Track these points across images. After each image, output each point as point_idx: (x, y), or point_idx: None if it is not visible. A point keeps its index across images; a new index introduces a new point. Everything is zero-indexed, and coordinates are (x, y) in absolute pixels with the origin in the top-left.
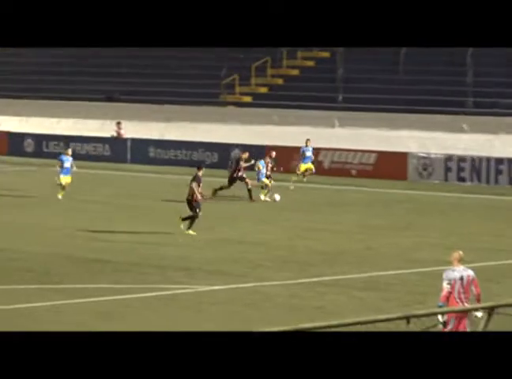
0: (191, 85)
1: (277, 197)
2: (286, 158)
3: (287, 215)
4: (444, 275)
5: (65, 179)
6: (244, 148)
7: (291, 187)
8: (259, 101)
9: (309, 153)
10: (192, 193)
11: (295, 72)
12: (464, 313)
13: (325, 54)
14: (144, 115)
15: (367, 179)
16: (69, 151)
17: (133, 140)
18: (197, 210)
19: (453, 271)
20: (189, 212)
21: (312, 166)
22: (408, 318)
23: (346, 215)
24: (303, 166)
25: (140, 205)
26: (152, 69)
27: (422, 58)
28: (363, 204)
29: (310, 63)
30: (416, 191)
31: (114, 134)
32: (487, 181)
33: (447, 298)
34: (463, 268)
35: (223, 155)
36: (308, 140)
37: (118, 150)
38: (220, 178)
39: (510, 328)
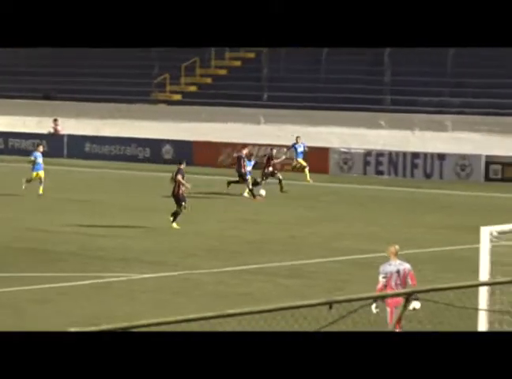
0: (125, 84)
1: (263, 192)
2: (214, 153)
3: (222, 206)
4: (380, 269)
5: (39, 174)
6: (175, 143)
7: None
8: (188, 99)
9: (300, 149)
10: (178, 185)
11: (223, 71)
12: (396, 303)
13: (251, 55)
14: (80, 113)
15: (290, 172)
16: (41, 148)
17: (70, 136)
18: (183, 203)
19: (390, 265)
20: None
21: (303, 162)
22: (330, 304)
23: (273, 207)
24: (295, 162)
25: (76, 198)
26: (87, 69)
27: (342, 58)
28: (287, 197)
29: (237, 63)
30: (337, 184)
31: (52, 131)
32: (404, 175)
33: (382, 290)
34: (399, 262)
35: (154, 151)
36: (298, 137)
37: (55, 146)
38: (152, 172)
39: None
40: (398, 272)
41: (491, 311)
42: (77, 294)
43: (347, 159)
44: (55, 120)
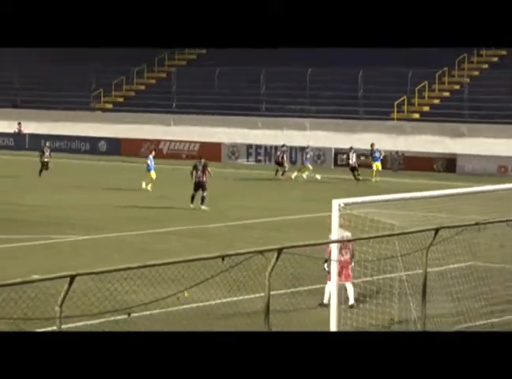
0: (71, 96)
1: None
2: (137, 147)
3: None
4: (329, 236)
5: (151, 174)
6: (108, 140)
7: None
8: (118, 107)
9: (377, 154)
10: (204, 174)
11: (143, 87)
12: (347, 263)
13: (163, 75)
14: (37, 117)
15: (193, 161)
16: (153, 153)
17: (30, 134)
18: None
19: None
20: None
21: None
22: (223, 257)
23: (181, 183)
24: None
25: (39, 180)
26: (44, 84)
27: (231, 77)
28: (189, 179)
29: (153, 81)
30: (227, 169)
31: (16, 131)
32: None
33: (330, 252)
34: (342, 230)
35: (92, 145)
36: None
37: (19, 141)
38: (91, 161)
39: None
40: (342, 237)
41: (339, 261)
42: (34, 251)
43: (234, 151)
44: (19, 123)
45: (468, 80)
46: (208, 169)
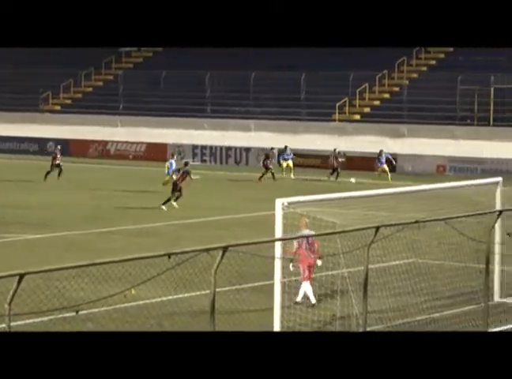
0: (21, 99)
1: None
2: (85, 148)
3: (93, 184)
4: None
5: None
6: (56, 141)
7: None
8: (65, 109)
9: (287, 156)
10: (183, 178)
11: (90, 89)
12: (311, 265)
13: (110, 77)
14: None
15: (140, 161)
16: (174, 157)
17: None
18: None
19: (301, 233)
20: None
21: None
22: (169, 255)
23: (128, 183)
24: (283, 163)
25: None
26: None
27: (175, 79)
28: (139, 178)
29: (100, 83)
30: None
31: None
32: (221, 162)
33: (296, 253)
34: (308, 231)
35: (41, 146)
36: (286, 146)
37: None
38: (40, 161)
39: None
40: (307, 239)
41: (283, 258)
42: None
43: (180, 151)
44: None
45: (407, 82)
46: (191, 176)
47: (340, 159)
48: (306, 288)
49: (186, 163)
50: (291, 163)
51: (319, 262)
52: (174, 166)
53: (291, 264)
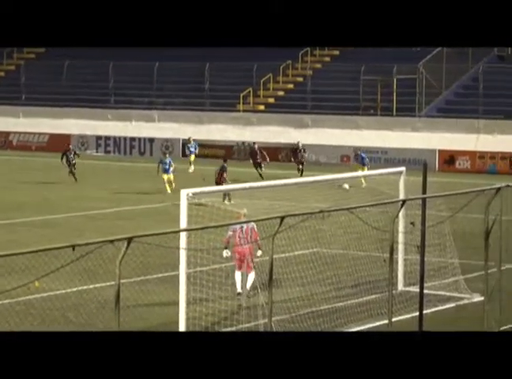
0: None
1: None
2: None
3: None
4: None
5: (169, 176)
6: None
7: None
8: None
9: (192, 149)
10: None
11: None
12: (245, 254)
13: (12, 67)
14: None
15: (42, 152)
16: (167, 155)
17: None
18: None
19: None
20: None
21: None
22: (73, 246)
23: (30, 174)
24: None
25: None
26: None
27: (79, 70)
28: (41, 169)
29: (1, 74)
30: (76, 160)
31: None
32: (125, 153)
33: (228, 241)
34: (245, 221)
35: None
36: (189, 138)
37: None
38: None
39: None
40: (242, 228)
41: (189, 249)
42: None
43: (83, 142)
44: None
45: (311, 72)
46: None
47: (305, 154)
48: (236, 277)
49: (225, 160)
50: (192, 157)
51: (259, 252)
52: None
53: (224, 251)
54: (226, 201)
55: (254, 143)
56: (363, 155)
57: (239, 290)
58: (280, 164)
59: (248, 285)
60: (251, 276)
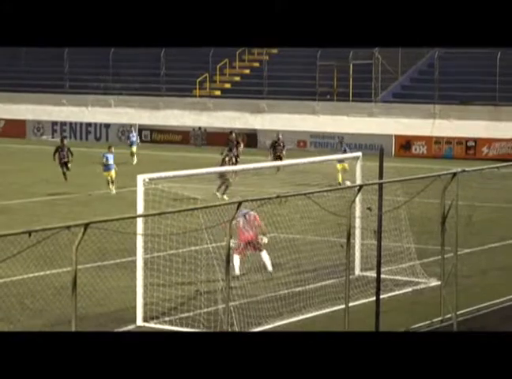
0: None
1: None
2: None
3: None
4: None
5: (110, 173)
6: None
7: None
8: None
9: (134, 138)
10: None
11: None
12: (251, 240)
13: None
14: None
15: None
16: (112, 149)
17: None
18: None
19: (239, 212)
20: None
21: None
22: (29, 233)
23: None
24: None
25: None
26: None
27: (34, 55)
28: None
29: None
30: (32, 146)
31: None
32: (81, 139)
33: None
34: (246, 210)
35: None
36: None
37: None
38: None
39: None
40: (244, 215)
41: (145, 235)
42: None
43: (39, 127)
44: None
45: (267, 57)
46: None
47: (285, 148)
48: (235, 261)
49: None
50: (134, 148)
51: (265, 239)
52: (111, 161)
53: (231, 240)
54: (218, 193)
55: (231, 132)
56: (346, 148)
57: (237, 272)
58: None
59: (268, 264)
60: (265, 255)
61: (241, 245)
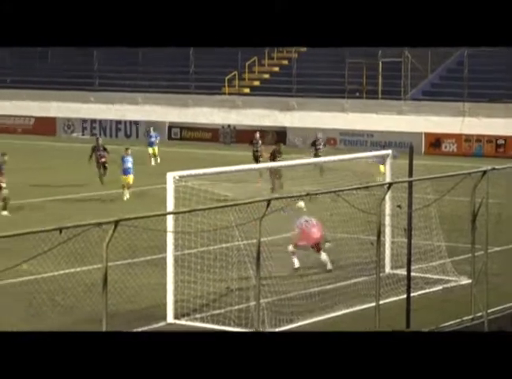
0: None
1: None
2: (48, 125)
3: None
4: (297, 222)
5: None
6: None
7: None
8: None
9: (153, 139)
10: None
11: None
12: (317, 241)
13: None
14: None
15: (28, 135)
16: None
17: None
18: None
19: (300, 218)
20: None
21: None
22: (60, 229)
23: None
24: (150, 149)
25: None
26: None
27: (64, 52)
28: (23, 154)
29: None
30: (63, 143)
31: None
32: (111, 136)
33: (299, 238)
34: (306, 217)
35: None
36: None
37: None
38: None
39: None
40: (307, 220)
41: (176, 232)
42: None
43: (70, 125)
44: None
45: (296, 55)
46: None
47: (323, 147)
48: (322, 257)
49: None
50: (156, 148)
51: (327, 244)
52: (129, 164)
53: (290, 246)
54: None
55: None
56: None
57: (296, 265)
58: (266, 148)
59: (329, 263)
60: (325, 256)
61: (306, 244)
